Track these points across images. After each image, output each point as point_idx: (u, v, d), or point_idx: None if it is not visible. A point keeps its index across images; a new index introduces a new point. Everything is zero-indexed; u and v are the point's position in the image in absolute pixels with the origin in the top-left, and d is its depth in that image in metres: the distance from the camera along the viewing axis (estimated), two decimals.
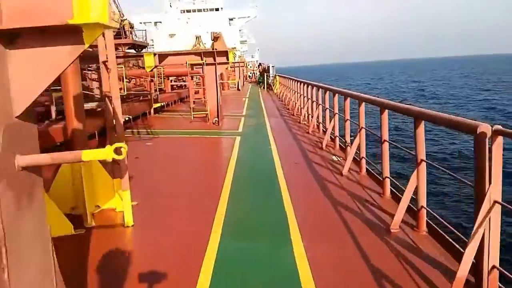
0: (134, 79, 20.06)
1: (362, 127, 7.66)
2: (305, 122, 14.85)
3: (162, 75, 18.12)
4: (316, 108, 12.67)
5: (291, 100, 21.21)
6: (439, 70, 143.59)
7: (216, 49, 14.31)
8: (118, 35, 35.58)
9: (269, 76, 36.76)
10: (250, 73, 58.85)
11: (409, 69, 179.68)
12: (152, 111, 16.57)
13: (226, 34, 66.73)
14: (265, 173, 7.95)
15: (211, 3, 73.12)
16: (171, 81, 25.48)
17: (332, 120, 10.22)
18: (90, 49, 15.49)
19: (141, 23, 72.72)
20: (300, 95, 17.17)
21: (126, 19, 36.60)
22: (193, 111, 14.79)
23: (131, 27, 37.68)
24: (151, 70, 13.93)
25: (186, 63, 14.20)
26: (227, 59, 14.42)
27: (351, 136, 9.07)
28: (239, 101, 24.23)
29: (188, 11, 71.77)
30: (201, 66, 14.43)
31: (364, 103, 7.66)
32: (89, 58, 13.72)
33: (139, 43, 36.45)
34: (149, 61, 13.51)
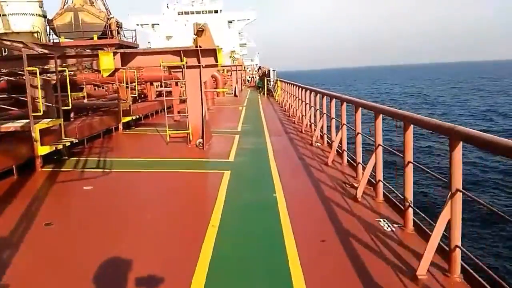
0: (106, 86, 16.09)
1: (457, 190, 3.76)
2: (319, 144, 10.92)
3: (136, 80, 14.14)
4: (340, 129, 8.69)
5: (296, 110, 17.27)
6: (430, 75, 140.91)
7: (200, 46, 10.36)
8: (103, 34, 31.80)
9: (270, 81, 32.81)
10: (249, 77, 54.96)
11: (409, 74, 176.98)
12: (120, 126, 12.61)
13: (226, 36, 63.37)
14: (270, 278, 4.01)
15: (210, 5, 69.98)
16: (156, 86, 21.52)
17: (373, 155, 6.27)
18: (24, 43, 11.56)
19: (138, 25, 69.70)
20: (311, 107, 13.24)
21: (113, 17, 32.67)
22: (169, 130, 10.81)
23: (119, 26, 33.80)
24: (110, 75, 9.96)
25: (160, 65, 10.25)
26: (216, 60, 10.49)
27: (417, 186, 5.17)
28: (235, 111, 20.23)
29: (186, 13, 68.60)
30: (181, 70, 10.48)
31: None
32: (30, 59, 9.83)
33: (127, 44, 32.43)
34: (107, 62, 9.54)
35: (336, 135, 8.75)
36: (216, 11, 70.12)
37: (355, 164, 7.69)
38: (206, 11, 69.87)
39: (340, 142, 8.73)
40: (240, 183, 7.28)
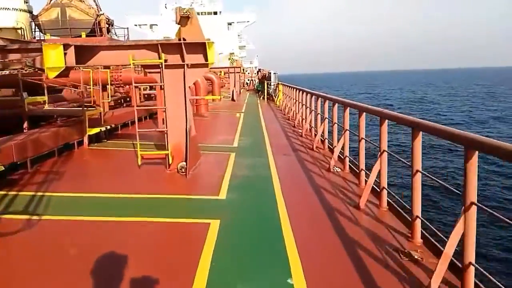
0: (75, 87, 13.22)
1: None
2: (339, 170, 8.16)
3: (108, 82, 11.33)
4: (378, 157, 5.90)
5: (302, 120, 14.56)
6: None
7: (184, 39, 7.58)
8: (92, 32, 29.05)
9: (270, 85, 30.02)
10: (248, 79, 52.19)
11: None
12: (86, 140, 9.79)
13: (225, 38, 60.68)
14: None
15: (209, 7, 67.47)
16: (144, 89, 18.74)
17: (462, 219, 3.51)
18: None
19: (136, 25, 67.23)
20: (324, 118, 10.47)
21: (103, 14, 29.84)
22: (142, 148, 8.00)
23: (110, 24, 31.01)
24: (61, 75, 7.17)
25: (131, 63, 7.46)
26: (206, 58, 7.72)
27: None
28: (232, 119, 17.40)
29: None
30: (159, 70, 7.69)
31: None
32: None
33: None
34: (54, 58, 6.75)
35: (373, 167, 5.95)
36: (215, 13, 67.73)
37: (410, 219, 4.90)
38: (205, 12, 67.42)
39: (378, 177, 5.94)
40: (232, 250, 4.49)
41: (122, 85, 13.92)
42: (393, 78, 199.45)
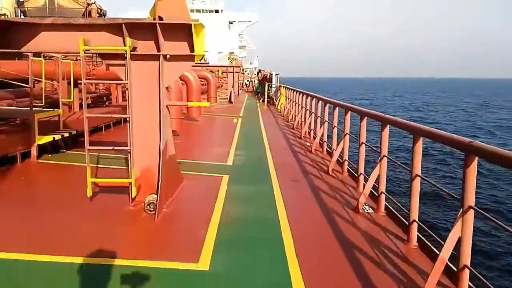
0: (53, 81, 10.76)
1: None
2: (370, 210, 5.79)
3: (71, 75, 8.89)
4: (459, 216, 3.52)
5: (311, 131, 12.24)
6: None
7: (161, 18, 5.19)
8: None
9: (271, 87, 27.57)
10: (247, 80, 49.70)
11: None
12: (34, 151, 7.34)
13: (225, 38, 58.15)
14: None
15: (211, 4, 65.24)
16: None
17: None
18: None
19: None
20: (345, 134, 8.07)
21: (94, 3, 27.35)
22: (92, 174, 5.58)
23: (102, 14, 28.49)
24: None
25: (80, 50, 5.06)
26: (192, 47, 5.32)
27: None
28: (228, 125, 14.95)
29: None
30: (123, 62, 5.29)
31: None
32: None
33: None
34: None
35: (449, 235, 3.57)
36: (216, 11, 65.52)
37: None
38: (206, 10, 65.19)
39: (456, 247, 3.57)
40: None
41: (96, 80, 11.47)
42: (392, 85, 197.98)
